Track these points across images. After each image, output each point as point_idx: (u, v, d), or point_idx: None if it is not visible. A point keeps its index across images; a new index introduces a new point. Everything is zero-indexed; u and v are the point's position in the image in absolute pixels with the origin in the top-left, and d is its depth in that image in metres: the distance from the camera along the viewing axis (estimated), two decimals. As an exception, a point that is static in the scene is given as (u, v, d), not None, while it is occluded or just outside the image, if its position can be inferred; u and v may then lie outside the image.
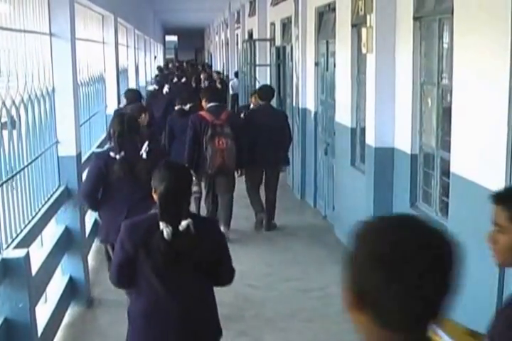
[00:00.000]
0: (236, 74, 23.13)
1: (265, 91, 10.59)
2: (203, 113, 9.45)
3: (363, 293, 1.65)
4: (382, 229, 1.70)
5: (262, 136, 9.76)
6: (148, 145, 6.33)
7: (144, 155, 6.25)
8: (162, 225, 4.06)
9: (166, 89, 16.28)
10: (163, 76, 23.32)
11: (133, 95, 10.86)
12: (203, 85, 19.02)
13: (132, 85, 18.29)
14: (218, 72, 26.35)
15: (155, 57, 35.28)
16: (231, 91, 23.82)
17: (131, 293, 4.63)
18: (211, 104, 9.45)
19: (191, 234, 4.07)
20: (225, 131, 9.14)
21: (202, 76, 20.79)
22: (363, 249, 1.68)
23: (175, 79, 19.61)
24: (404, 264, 1.60)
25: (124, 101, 11.28)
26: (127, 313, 4.48)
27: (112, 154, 6.26)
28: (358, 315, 1.69)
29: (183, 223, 4.08)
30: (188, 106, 10.70)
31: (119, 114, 7.37)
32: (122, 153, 6.21)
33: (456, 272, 1.76)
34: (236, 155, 9.24)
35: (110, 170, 6.20)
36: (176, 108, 10.86)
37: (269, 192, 10.34)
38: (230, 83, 23.95)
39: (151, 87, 17.67)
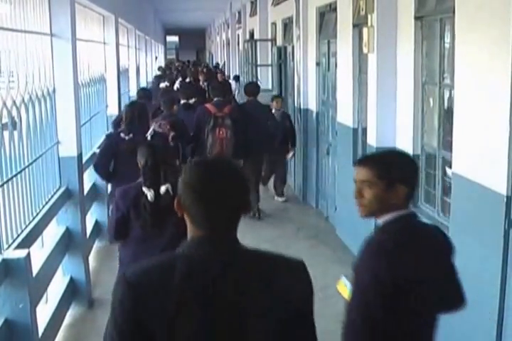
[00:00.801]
0: (237, 78, 23.13)
1: (252, 88, 11.62)
2: (208, 105, 10.59)
3: (185, 206, 2.53)
4: (195, 166, 2.60)
5: (251, 127, 10.60)
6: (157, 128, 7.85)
7: (149, 138, 7.43)
8: (145, 190, 5.25)
9: (177, 85, 18.53)
10: (170, 74, 25.04)
11: (144, 94, 11.99)
12: (203, 86, 19.19)
13: (133, 86, 18.31)
14: (222, 72, 26.36)
15: (156, 58, 35.27)
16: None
17: (124, 245, 5.43)
18: (216, 99, 10.63)
19: (170, 196, 5.11)
20: (225, 122, 10.16)
21: (200, 77, 20.69)
22: (183, 178, 2.54)
23: (179, 79, 20.86)
24: (202, 190, 2.49)
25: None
26: (119, 260, 5.42)
27: (122, 135, 7.52)
28: (185, 217, 2.56)
29: (163, 188, 5.26)
30: (192, 101, 11.99)
31: (131, 102, 8.86)
32: (131, 135, 7.45)
33: (238, 191, 2.54)
34: (234, 146, 10.13)
35: (119, 148, 7.40)
36: (182, 102, 11.71)
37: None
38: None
39: (163, 84, 18.74)
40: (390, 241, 3.26)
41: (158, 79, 21.33)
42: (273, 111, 11.94)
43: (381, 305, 3.12)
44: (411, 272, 3.16)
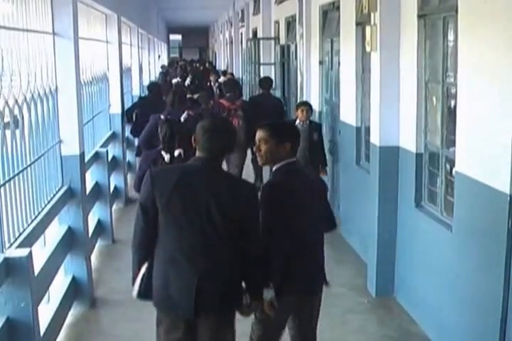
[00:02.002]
0: (225, 73, 24.29)
1: (266, 82, 13.16)
2: (222, 100, 12.03)
3: (197, 139, 4.49)
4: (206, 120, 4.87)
5: (263, 116, 10.60)
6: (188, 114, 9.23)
7: (182, 120, 9.00)
8: (163, 153, 8.57)
9: (188, 81, 21.58)
10: (174, 72, 28.46)
11: (154, 87, 14.01)
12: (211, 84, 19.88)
13: (135, 84, 18.31)
14: (225, 72, 26.35)
15: (159, 56, 35.28)
16: None
17: None
18: (229, 94, 11.91)
19: (181, 158, 7.53)
20: (238, 113, 11.49)
21: (211, 78, 20.76)
22: (199, 125, 4.54)
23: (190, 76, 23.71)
24: (207, 130, 4.46)
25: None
26: None
27: (162, 116, 9.09)
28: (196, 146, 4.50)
29: (176, 152, 8.58)
30: (196, 96, 13.57)
31: (173, 90, 10.85)
32: (169, 117, 9.06)
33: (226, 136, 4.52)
34: (245, 132, 10.88)
35: (160, 128, 8.97)
36: (188, 96, 12.48)
37: None
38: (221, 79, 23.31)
39: (174, 80, 21.55)
40: (276, 179, 4.83)
41: (164, 75, 24.31)
42: (297, 123, 9.92)
43: (274, 220, 4.63)
44: (291, 198, 4.68)
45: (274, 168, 4.84)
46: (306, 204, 4.79)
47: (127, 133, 13.34)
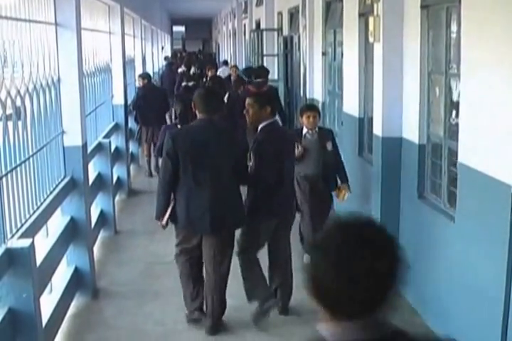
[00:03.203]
0: (225, 62, 25.90)
1: (261, 71, 13.02)
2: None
3: (197, 104, 6.40)
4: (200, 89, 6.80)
5: None
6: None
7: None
8: (179, 126, 8.78)
9: (192, 70, 22.86)
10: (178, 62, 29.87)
11: (146, 75, 14.80)
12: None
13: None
14: (226, 62, 26.41)
15: (162, 48, 35.27)
16: None
17: None
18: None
19: None
20: None
21: (210, 72, 20.06)
22: (196, 94, 6.53)
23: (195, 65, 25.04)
24: (203, 98, 6.37)
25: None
26: None
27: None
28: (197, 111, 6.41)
29: None
30: (191, 84, 14.46)
31: (181, 100, 10.90)
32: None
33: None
34: None
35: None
36: (183, 84, 14.37)
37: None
38: (219, 70, 23.19)
39: (180, 69, 22.91)
40: (262, 135, 6.55)
41: (169, 65, 25.64)
42: (304, 131, 8.23)
43: (261, 163, 6.45)
44: (271, 148, 6.47)
45: (259, 127, 6.63)
46: (282, 153, 6.64)
47: (130, 124, 13.39)
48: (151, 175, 13.46)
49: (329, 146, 8.29)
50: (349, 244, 2.01)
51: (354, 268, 2.00)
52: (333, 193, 8.53)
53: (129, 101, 13.72)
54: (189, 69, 23.21)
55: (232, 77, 17.41)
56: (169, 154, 6.18)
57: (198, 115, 6.35)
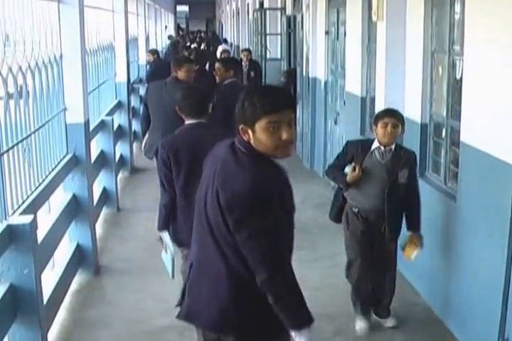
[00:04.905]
0: (225, 40, 28.54)
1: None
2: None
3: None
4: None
5: None
6: None
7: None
8: None
9: (203, 46, 25.41)
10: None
11: (155, 51, 16.81)
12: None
13: (142, 54, 18.31)
14: (226, 40, 26.76)
15: (166, 27, 35.20)
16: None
17: None
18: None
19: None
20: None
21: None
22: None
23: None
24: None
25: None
26: None
27: None
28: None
29: None
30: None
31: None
32: None
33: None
34: None
35: None
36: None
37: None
38: (219, 48, 23.11)
39: (192, 46, 25.53)
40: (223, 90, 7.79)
41: (173, 44, 26.17)
42: (374, 146, 5.82)
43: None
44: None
45: (224, 83, 8.48)
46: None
47: (133, 102, 13.44)
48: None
49: (402, 177, 5.80)
50: None
51: None
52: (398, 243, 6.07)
53: (132, 80, 13.72)
54: (199, 45, 26.11)
55: (243, 63, 16.04)
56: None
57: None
